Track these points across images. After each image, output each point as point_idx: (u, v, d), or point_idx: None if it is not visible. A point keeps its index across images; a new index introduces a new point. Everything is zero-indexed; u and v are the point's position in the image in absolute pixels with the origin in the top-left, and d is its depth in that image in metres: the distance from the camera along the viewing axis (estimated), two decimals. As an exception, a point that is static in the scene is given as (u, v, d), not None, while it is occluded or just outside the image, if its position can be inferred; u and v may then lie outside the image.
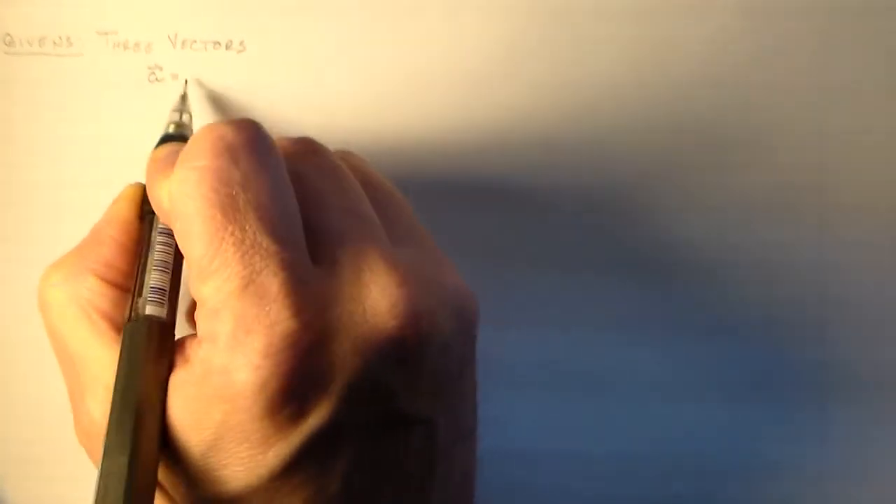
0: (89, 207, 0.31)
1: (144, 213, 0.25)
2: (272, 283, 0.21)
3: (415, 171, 0.31)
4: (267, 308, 0.21)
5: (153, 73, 0.30)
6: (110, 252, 0.25)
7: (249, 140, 0.22)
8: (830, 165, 0.31)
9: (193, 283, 0.22)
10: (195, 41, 0.30)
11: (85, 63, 0.30)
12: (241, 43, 0.30)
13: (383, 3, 0.30)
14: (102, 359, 0.23)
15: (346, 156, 0.27)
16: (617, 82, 0.30)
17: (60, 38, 0.30)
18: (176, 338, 0.23)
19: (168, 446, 0.22)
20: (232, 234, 0.21)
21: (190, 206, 0.22)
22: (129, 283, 0.24)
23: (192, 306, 0.25)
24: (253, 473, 0.21)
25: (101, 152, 0.31)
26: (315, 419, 0.21)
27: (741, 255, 0.31)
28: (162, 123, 0.30)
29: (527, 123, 0.30)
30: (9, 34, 0.30)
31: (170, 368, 0.22)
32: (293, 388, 0.21)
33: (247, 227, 0.21)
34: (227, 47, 0.30)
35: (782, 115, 0.30)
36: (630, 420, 0.32)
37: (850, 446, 0.32)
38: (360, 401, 0.22)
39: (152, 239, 0.24)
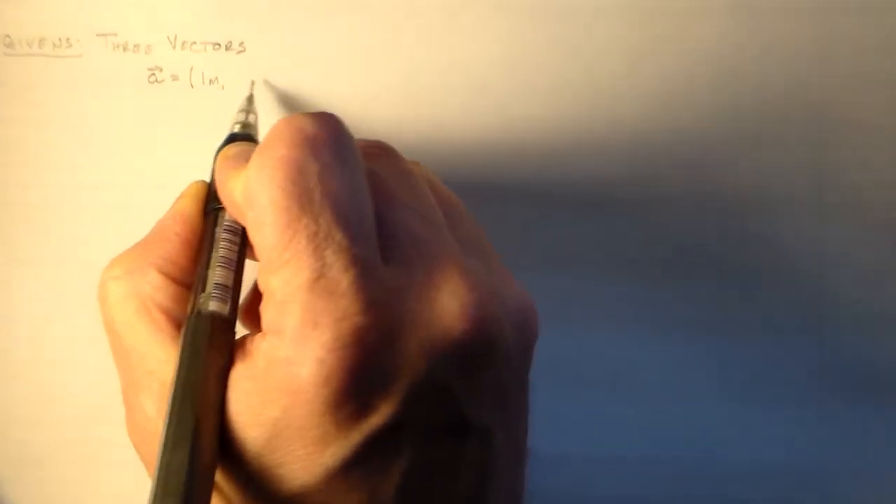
0: (89, 208, 0.31)
1: (209, 209, 0.25)
2: (343, 277, 0.21)
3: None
4: (336, 303, 0.20)
5: (153, 74, 0.30)
6: (174, 248, 0.24)
7: (329, 134, 0.22)
8: (830, 164, 0.31)
9: (263, 274, 0.22)
10: (195, 42, 0.30)
11: (84, 64, 0.30)
12: (241, 44, 0.30)
13: (383, 4, 0.30)
14: (159, 354, 0.23)
15: (414, 165, 0.27)
16: (617, 82, 0.30)
17: (60, 39, 0.30)
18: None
19: (224, 444, 0.21)
20: (306, 226, 0.21)
21: (265, 195, 0.21)
22: (189, 279, 0.24)
23: (247, 304, 0.25)
24: (309, 472, 0.21)
25: (101, 154, 0.31)
26: (376, 418, 0.21)
27: (741, 255, 0.31)
28: (163, 124, 0.31)
29: (526, 124, 0.30)
30: (8, 35, 0.30)
31: (230, 365, 0.22)
32: (357, 385, 0.20)
33: (321, 221, 0.21)
34: (227, 48, 0.30)
35: (782, 115, 0.30)
36: (629, 421, 0.32)
37: (850, 446, 0.32)
38: (422, 402, 0.21)
39: (217, 235, 0.24)
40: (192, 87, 0.30)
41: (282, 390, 0.21)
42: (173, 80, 0.30)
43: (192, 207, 0.25)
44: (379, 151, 0.25)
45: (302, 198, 0.21)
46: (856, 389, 0.32)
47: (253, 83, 0.30)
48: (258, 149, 0.22)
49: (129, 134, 0.31)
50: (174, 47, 0.30)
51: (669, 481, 0.32)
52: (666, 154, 0.31)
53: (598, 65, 0.30)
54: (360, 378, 0.20)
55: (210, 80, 0.30)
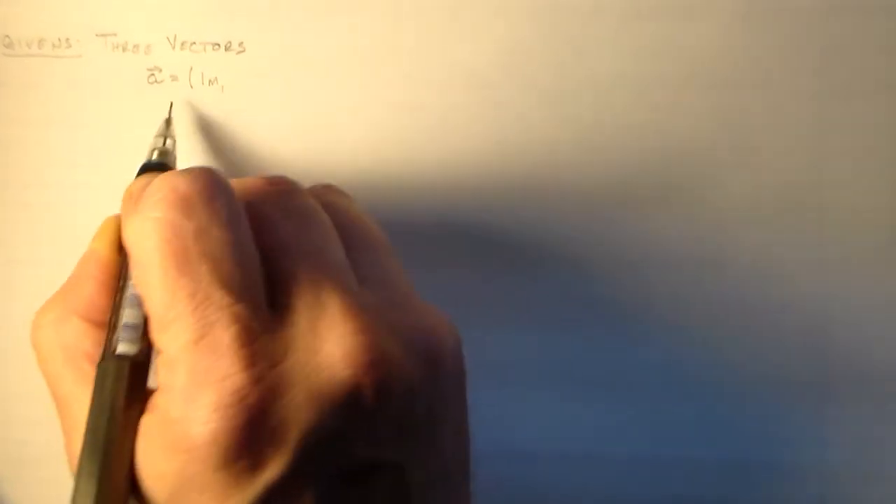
0: (88, 209, 0.31)
1: (121, 247, 0.25)
2: (223, 336, 0.21)
3: (414, 173, 0.30)
4: (218, 362, 0.21)
5: (152, 74, 0.30)
6: (93, 290, 0.25)
7: (203, 191, 0.22)
8: (830, 165, 0.31)
9: (153, 332, 0.22)
10: (194, 42, 0.30)
11: (84, 65, 0.30)
12: (241, 44, 0.30)
13: (383, 4, 0.30)
14: (83, 401, 0.23)
15: (324, 191, 0.27)
16: (617, 83, 0.30)
17: (59, 39, 0.30)
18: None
19: (135, 493, 0.22)
20: (184, 287, 0.21)
21: (145, 256, 0.22)
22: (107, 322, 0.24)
23: None
24: None
25: (100, 154, 0.31)
26: (271, 472, 0.21)
27: (741, 255, 0.31)
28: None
29: (526, 124, 0.30)
30: (8, 36, 0.30)
31: (142, 409, 0.22)
32: (245, 442, 0.21)
33: (200, 280, 0.21)
34: (227, 48, 0.30)
35: (782, 116, 0.30)
36: (628, 421, 0.32)
37: (850, 446, 0.32)
38: (316, 452, 0.21)
39: (128, 273, 0.24)
40: (191, 87, 0.30)
41: (177, 448, 0.21)
42: (173, 80, 0.30)
43: (104, 247, 0.25)
44: (273, 188, 0.25)
45: (179, 258, 0.22)
46: (856, 389, 0.32)
47: (172, 105, 0.30)
48: (136, 208, 0.23)
49: (129, 134, 0.31)
50: (174, 47, 0.30)
51: (669, 481, 0.32)
52: (665, 154, 0.31)
53: (598, 65, 0.30)
54: (248, 435, 0.21)
55: (210, 81, 0.30)
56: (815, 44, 0.30)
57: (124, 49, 0.30)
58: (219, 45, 0.30)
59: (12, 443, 0.32)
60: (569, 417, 0.32)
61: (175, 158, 0.28)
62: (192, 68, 0.30)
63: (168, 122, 0.29)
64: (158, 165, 0.27)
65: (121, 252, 0.25)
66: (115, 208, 0.31)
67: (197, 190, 0.22)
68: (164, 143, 0.28)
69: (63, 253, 0.31)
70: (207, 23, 0.30)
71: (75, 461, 0.23)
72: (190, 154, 0.30)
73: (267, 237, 0.23)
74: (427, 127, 0.30)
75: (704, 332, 0.32)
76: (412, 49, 0.30)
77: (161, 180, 0.23)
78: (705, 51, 0.30)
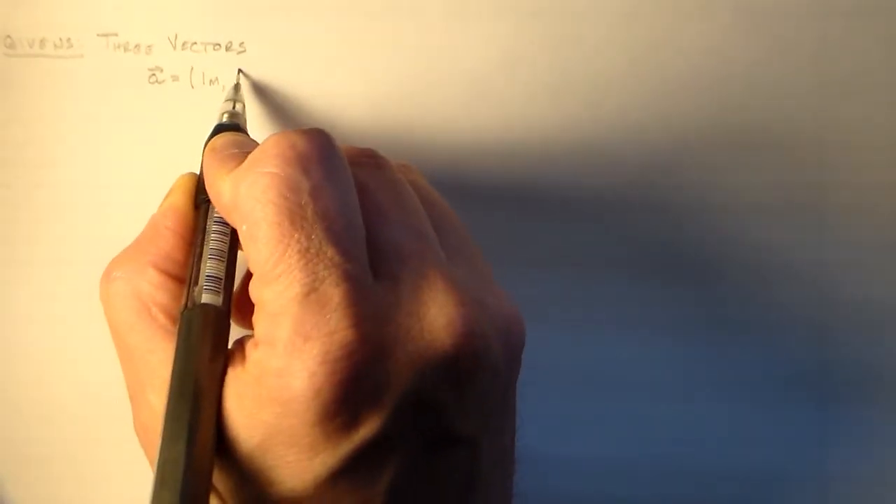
0: (91, 208, 0.31)
1: (199, 201, 0.26)
2: (334, 292, 0.21)
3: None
4: (327, 317, 0.21)
5: (153, 74, 0.30)
6: (169, 243, 0.25)
7: (320, 151, 0.23)
8: (830, 165, 0.31)
9: (255, 286, 0.22)
10: (195, 42, 0.30)
11: (85, 65, 0.30)
12: (241, 44, 0.30)
13: (383, 4, 0.30)
14: (161, 352, 0.23)
15: (403, 170, 0.27)
16: (617, 83, 0.30)
17: (61, 39, 0.30)
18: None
19: (220, 439, 0.22)
20: (297, 241, 0.21)
21: (258, 210, 0.22)
22: (187, 274, 0.24)
23: (235, 299, 0.25)
24: (298, 478, 0.21)
25: (102, 154, 0.31)
26: (365, 430, 0.21)
27: (741, 255, 0.31)
28: (163, 125, 0.31)
29: (527, 124, 0.30)
30: (9, 36, 0.30)
31: (226, 359, 0.22)
32: (347, 398, 0.21)
33: (313, 237, 0.22)
34: (227, 48, 0.30)
35: (782, 115, 0.30)
36: (628, 420, 0.32)
37: (849, 447, 0.32)
38: (410, 416, 0.22)
39: (208, 227, 0.24)
40: (192, 87, 0.30)
41: (274, 399, 0.21)
42: (174, 80, 0.30)
43: (182, 201, 0.26)
44: (368, 161, 0.25)
45: (294, 214, 0.22)
46: (855, 389, 0.32)
47: (240, 71, 0.30)
48: (250, 162, 0.23)
49: (130, 134, 0.31)
50: (174, 47, 0.30)
51: (669, 482, 0.32)
52: (666, 155, 0.31)
53: (598, 65, 0.30)
54: (349, 391, 0.21)
55: (210, 81, 0.30)
56: (814, 44, 0.30)
57: (125, 49, 0.30)
58: (219, 45, 0.30)
59: (13, 442, 0.32)
60: (568, 417, 0.32)
61: (245, 121, 0.29)
62: (192, 68, 0.30)
63: (237, 87, 0.30)
64: (232, 126, 0.27)
65: (198, 206, 0.26)
66: (116, 208, 0.31)
67: (315, 148, 0.23)
68: (234, 107, 0.29)
69: (63, 253, 0.31)
70: (208, 23, 0.30)
71: (147, 410, 0.23)
72: (190, 153, 0.30)
73: (367, 204, 0.24)
74: (427, 127, 0.31)
75: (704, 332, 0.32)
76: (412, 49, 0.30)
77: (278, 137, 0.23)
78: (705, 51, 0.30)
